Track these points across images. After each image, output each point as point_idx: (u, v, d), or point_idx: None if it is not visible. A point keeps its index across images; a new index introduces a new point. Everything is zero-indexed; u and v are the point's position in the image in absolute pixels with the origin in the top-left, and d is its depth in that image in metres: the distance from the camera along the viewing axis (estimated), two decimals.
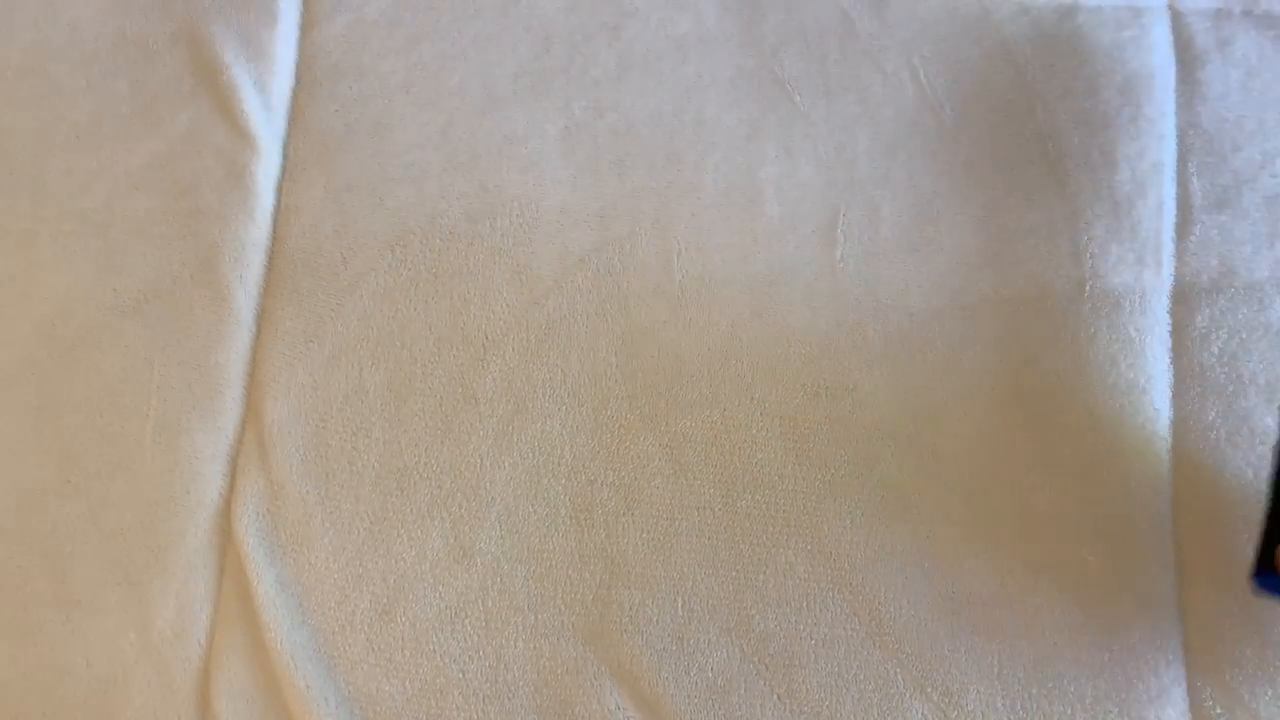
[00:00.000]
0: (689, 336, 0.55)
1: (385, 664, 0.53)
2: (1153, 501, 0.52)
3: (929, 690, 0.50)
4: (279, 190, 0.59)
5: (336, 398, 0.56)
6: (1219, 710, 0.49)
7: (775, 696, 0.50)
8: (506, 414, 0.55)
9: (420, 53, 0.59)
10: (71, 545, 0.56)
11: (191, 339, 0.57)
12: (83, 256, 0.58)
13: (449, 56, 0.59)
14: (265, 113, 0.59)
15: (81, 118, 0.60)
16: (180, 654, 0.54)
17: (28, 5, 0.61)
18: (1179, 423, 0.52)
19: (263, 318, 0.57)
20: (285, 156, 0.59)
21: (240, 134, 0.59)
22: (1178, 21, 0.56)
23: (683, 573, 0.52)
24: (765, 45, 0.57)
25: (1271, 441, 0.51)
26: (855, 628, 0.51)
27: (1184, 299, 0.53)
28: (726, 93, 0.57)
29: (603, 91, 0.58)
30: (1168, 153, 0.55)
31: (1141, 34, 0.56)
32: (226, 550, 0.55)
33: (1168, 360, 0.53)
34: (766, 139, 0.56)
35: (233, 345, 0.57)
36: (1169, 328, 0.53)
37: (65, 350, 0.57)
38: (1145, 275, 0.53)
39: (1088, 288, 0.53)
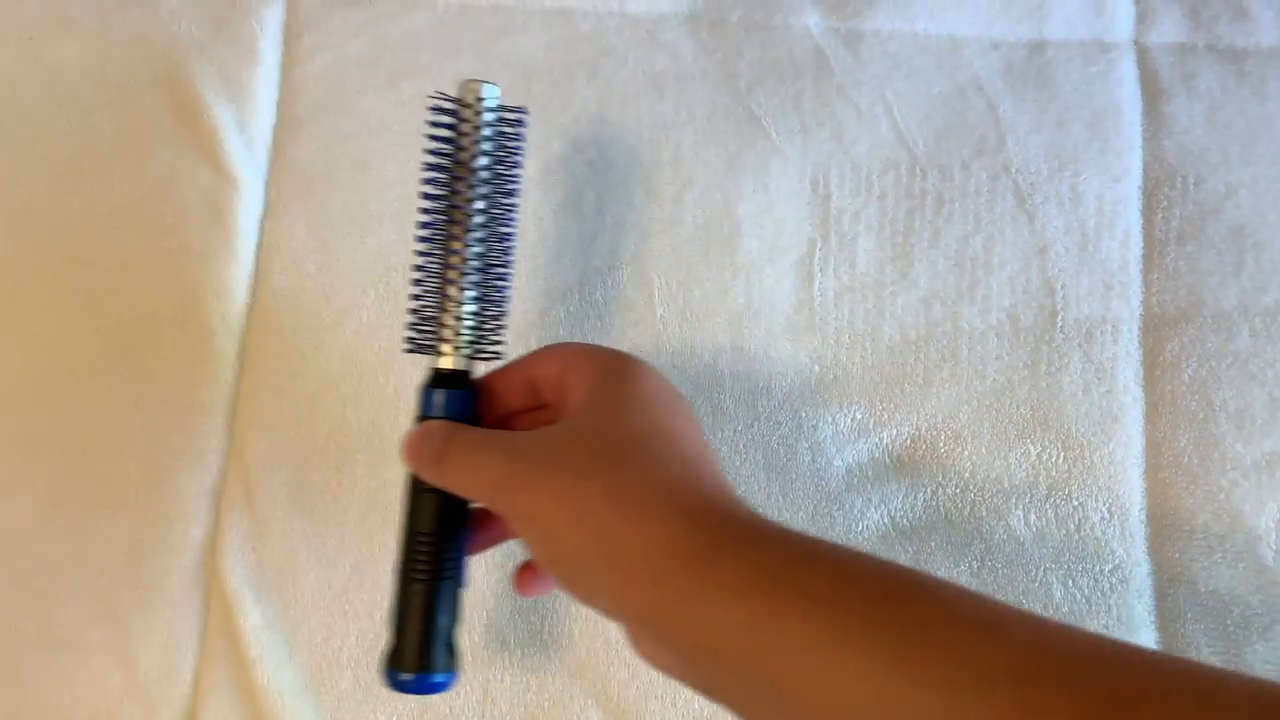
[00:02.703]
0: (670, 369, 0.55)
1: (373, 700, 0.53)
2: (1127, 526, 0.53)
3: None
4: (261, 228, 0.59)
5: (320, 435, 0.56)
6: None
7: None
8: None
9: (401, 90, 0.59)
10: (57, 584, 0.56)
11: (175, 377, 0.57)
12: (68, 296, 0.59)
13: (430, 94, 0.59)
14: (247, 151, 0.59)
15: (63, 158, 0.60)
16: (167, 693, 0.55)
17: (6, 45, 0.61)
18: (1151, 449, 0.53)
19: (245, 355, 0.58)
20: (267, 195, 0.60)
21: (222, 173, 0.59)
22: (1143, 56, 0.58)
23: None
24: (741, 82, 0.58)
25: (1243, 467, 0.52)
26: None
27: (1154, 328, 0.54)
28: (703, 129, 0.58)
29: (582, 128, 0.58)
30: (1134, 186, 0.56)
31: (1108, 69, 0.57)
32: (212, 588, 0.55)
33: (1140, 389, 0.54)
34: (744, 174, 0.57)
35: (216, 383, 0.57)
36: (1140, 357, 0.54)
37: (51, 390, 0.58)
38: (1115, 306, 0.54)
39: (1060, 319, 0.54)
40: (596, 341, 0.56)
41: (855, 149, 0.57)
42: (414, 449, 0.43)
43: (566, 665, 0.52)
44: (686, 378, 0.55)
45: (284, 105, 0.61)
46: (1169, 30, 0.58)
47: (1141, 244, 0.55)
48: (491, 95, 0.46)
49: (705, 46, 0.59)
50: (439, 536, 0.44)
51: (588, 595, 0.37)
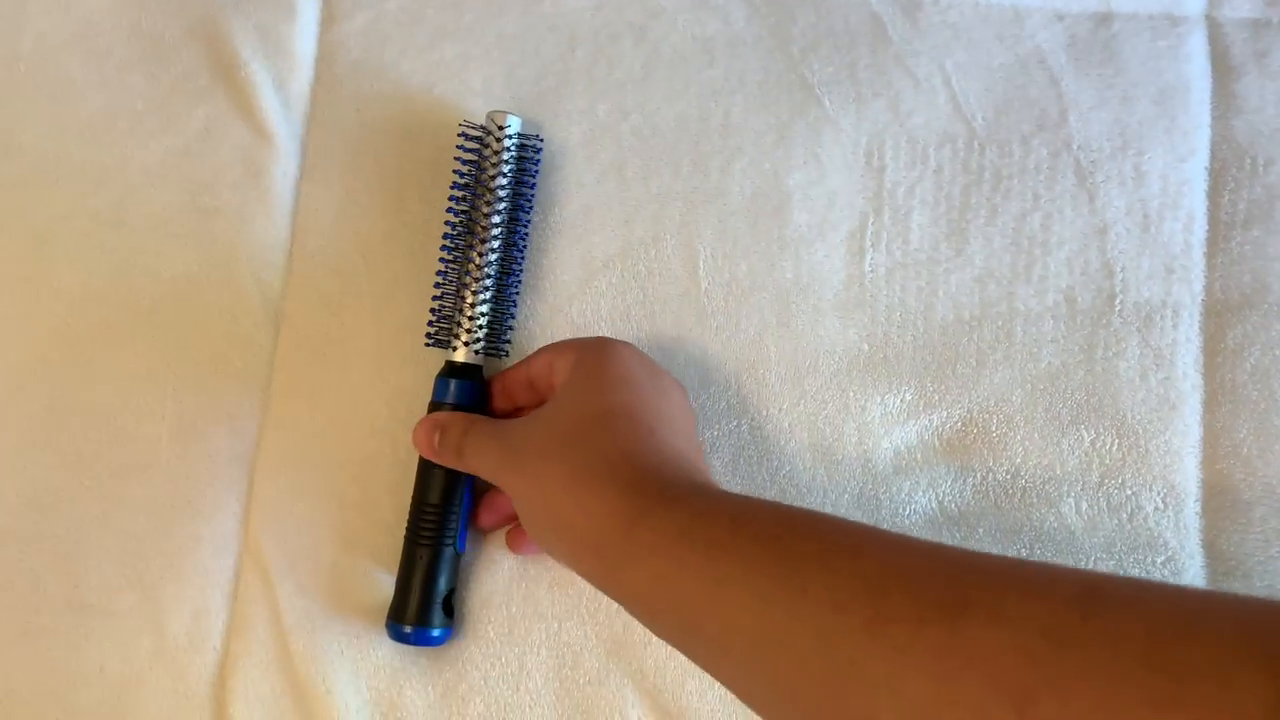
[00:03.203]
0: (715, 344, 0.54)
1: (408, 669, 0.53)
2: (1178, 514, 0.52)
3: None
4: (298, 190, 0.58)
5: (359, 400, 0.55)
6: None
7: None
8: None
9: (442, 51, 0.58)
10: (85, 548, 0.56)
11: (209, 340, 0.57)
12: (97, 255, 0.58)
13: (471, 56, 0.58)
14: (284, 110, 0.58)
15: (95, 112, 0.59)
16: (196, 659, 0.55)
17: None
18: (1209, 439, 0.53)
19: (282, 319, 0.57)
20: (304, 155, 0.59)
21: (258, 132, 0.58)
22: (1215, 31, 0.56)
23: None
24: (794, 48, 0.57)
25: None
26: None
27: (1216, 314, 0.53)
28: (754, 96, 0.57)
29: (627, 94, 0.57)
30: (1200, 166, 0.55)
31: (1178, 43, 0.56)
32: (244, 554, 0.55)
33: (1199, 376, 0.53)
34: (795, 144, 0.56)
35: (251, 347, 0.57)
36: (1200, 344, 0.53)
37: (80, 351, 0.57)
38: (1176, 290, 0.53)
39: (1118, 302, 0.53)
40: (638, 314, 0.55)
41: (911, 121, 0.56)
42: (429, 438, 0.50)
43: (604, 641, 0.52)
44: (731, 353, 0.54)
45: (322, 63, 0.59)
46: (1243, 4, 0.56)
47: (1206, 227, 0.54)
48: (513, 125, 0.53)
49: (758, 10, 0.57)
50: (443, 507, 0.51)
51: (558, 559, 0.45)
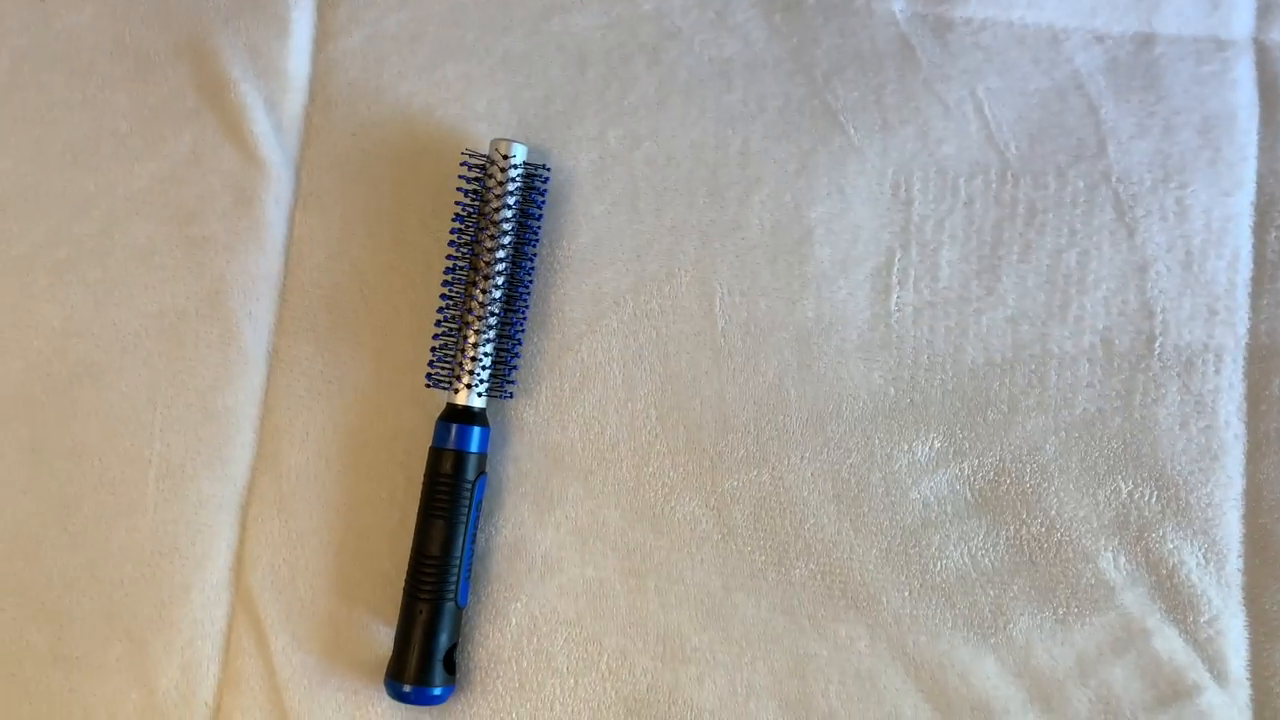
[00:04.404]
0: (733, 387, 0.53)
1: None
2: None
3: None
4: (291, 219, 0.56)
5: (358, 443, 0.54)
6: None
7: None
8: (545, 466, 0.53)
9: (444, 72, 0.56)
10: (70, 598, 0.54)
11: (197, 378, 0.55)
12: (79, 286, 0.56)
13: (475, 77, 0.56)
14: (276, 134, 0.56)
15: (77, 135, 0.57)
16: (186, 715, 0.54)
17: (18, 11, 0.58)
18: (1252, 491, 0.51)
19: (276, 357, 0.55)
20: (298, 183, 0.56)
21: (249, 157, 0.56)
22: (1263, 56, 0.55)
23: (740, 646, 0.51)
24: (817, 72, 0.55)
25: None
26: (919, 704, 0.50)
27: (1261, 359, 0.52)
28: (774, 123, 0.55)
29: (640, 119, 0.55)
30: (1246, 201, 0.53)
31: (1224, 69, 0.54)
32: (237, 605, 0.54)
33: (1242, 425, 0.51)
34: (817, 174, 0.54)
35: (243, 385, 0.55)
36: (1244, 390, 0.52)
37: (61, 388, 0.56)
38: (1219, 333, 0.52)
39: (1158, 345, 0.52)
40: (651, 355, 0.53)
41: (941, 150, 0.54)
42: None
43: (624, 699, 0.51)
44: (750, 397, 0.52)
45: (317, 84, 0.57)
46: None
47: (1251, 266, 0.53)
48: (518, 154, 0.51)
49: (779, 31, 0.55)
50: (444, 560, 0.50)
51: None
